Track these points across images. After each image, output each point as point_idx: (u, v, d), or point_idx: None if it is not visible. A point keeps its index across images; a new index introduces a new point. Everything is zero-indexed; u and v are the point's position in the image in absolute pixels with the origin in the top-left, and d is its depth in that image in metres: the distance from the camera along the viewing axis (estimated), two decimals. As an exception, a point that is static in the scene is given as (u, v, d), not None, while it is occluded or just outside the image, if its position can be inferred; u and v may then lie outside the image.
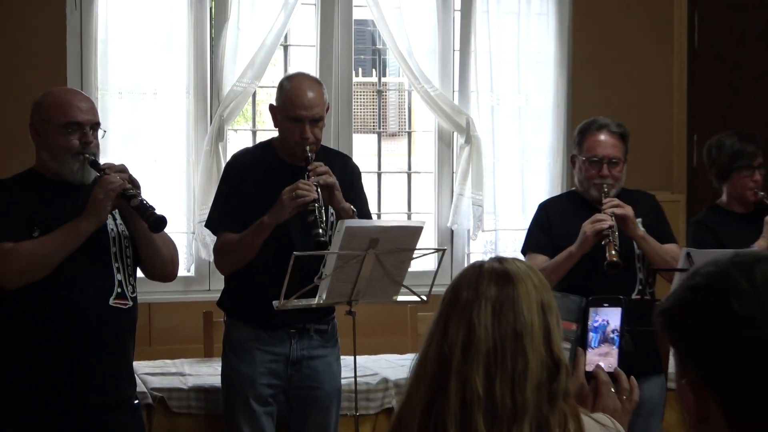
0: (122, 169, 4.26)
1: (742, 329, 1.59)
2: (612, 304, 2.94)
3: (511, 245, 6.47)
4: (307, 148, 4.68)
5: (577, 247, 4.91)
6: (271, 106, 4.88)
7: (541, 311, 2.48)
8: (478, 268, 2.54)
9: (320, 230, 4.47)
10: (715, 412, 1.65)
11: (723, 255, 4.87)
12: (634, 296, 5.02)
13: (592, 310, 2.92)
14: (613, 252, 4.81)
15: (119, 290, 4.28)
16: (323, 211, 4.56)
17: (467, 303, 2.47)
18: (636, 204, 5.07)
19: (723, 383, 1.63)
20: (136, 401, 4.49)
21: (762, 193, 5.39)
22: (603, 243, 4.86)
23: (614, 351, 2.93)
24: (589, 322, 2.92)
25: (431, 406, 2.45)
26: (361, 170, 5.10)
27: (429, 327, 2.53)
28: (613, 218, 4.90)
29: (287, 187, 4.56)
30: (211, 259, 6.20)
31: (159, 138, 6.30)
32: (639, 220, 5.04)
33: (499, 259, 2.57)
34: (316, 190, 4.55)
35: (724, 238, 5.32)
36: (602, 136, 5.09)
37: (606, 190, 5.02)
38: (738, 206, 5.47)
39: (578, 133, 5.18)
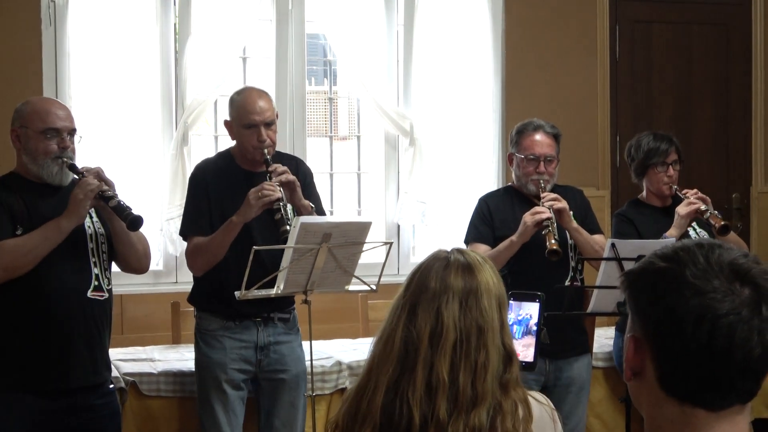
0: (99, 172, 4.25)
1: (689, 294, 1.62)
2: (530, 300, 2.96)
3: (451, 237, 6.48)
4: (265, 151, 4.68)
5: (517, 237, 4.93)
6: (225, 122, 4.86)
7: (498, 306, 2.53)
8: (444, 259, 2.57)
9: (287, 227, 4.48)
10: (648, 368, 1.68)
11: (645, 244, 4.91)
12: (567, 283, 5.05)
13: (515, 303, 2.94)
14: (553, 241, 4.84)
15: (96, 283, 4.29)
16: (287, 209, 4.57)
17: (435, 293, 2.50)
18: (567, 198, 5.11)
19: (661, 341, 1.66)
20: (111, 385, 4.48)
21: (676, 187, 5.45)
22: (543, 233, 4.88)
23: (533, 342, 2.95)
24: (513, 315, 2.93)
25: (397, 386, 2.47)
26: (314, 171, 5.11)
27: (393, 308, 2.57)
28: (551, 211, 4.94)
29: (253, 189, 4.56)
30: (178, 253, 6.19)
31: (128, 143, 6.27)
32: (571, 213, 5.08)
33: (461, 251, 2.61)
34: (279, 190, 4.56)
35: (641, 229, 5.37)
36: (538, 136, 5.13)
37: (542, 185, 5.06)
38: (656, 200, 5.52)
39: (516, 133, 5.20)
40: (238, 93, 4.86)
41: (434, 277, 2.54)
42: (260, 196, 4.53)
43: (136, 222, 4.20)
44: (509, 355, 2.51)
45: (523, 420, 2.50)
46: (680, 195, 5.39)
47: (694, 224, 5.40)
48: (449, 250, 2.64)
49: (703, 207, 5.30)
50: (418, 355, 2.47)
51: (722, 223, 5.25)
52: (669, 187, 5.45)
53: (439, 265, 2.57)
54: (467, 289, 2.51)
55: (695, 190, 5.40)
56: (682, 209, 5.29)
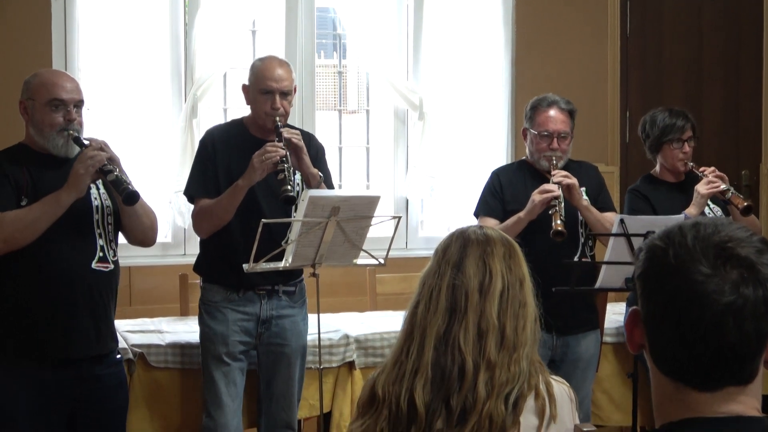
0: (102, 146, 4.24)
1: (667, 275, 1.60)
2: None
3: (460, 212, 6.47)
4: (277, 119, 4.67)
5: (525, 214, 4.92)
6: (243, 86, 4.86)
7: (528, 269, 2.82)
8: (480, 229, 2.84)
9: (289, 186, 4.46)
10: (646, 344, 1.67)
11: (654, 221, 4.91)
12: (576, 259, 5.05)
13: None
14: (559, 221, 4.82)
15: (101, 254, 4.29)
16: (291, 170, 4.56)
17: (479, 243, 2.77)
18: (580, 174, 5.10)
19: (647, 318, 1.65)
20: (118, 356, 4.49)
21: (692, 164, 5.43)
22: (550, 212, 4.87)
23: None
24: None
25: (447, 336, 2.70)
26: (323, 145, 5.09)
27: (429, 274, 2.79)
28: (560, 188, 4.92)
29: (257, 152, 4.55)
30: (186, 226, 6.19)
31: (137, 115, 6.27)
32: (583, 189, 5.06)
33: (481, 227, 2.87)
34: (284, 152, 4.55)
35: (656, 205, 5.35)
36: (552, 112, 5.10)
37: (555, 162, 5.04)
38: (669, 176, 5.49)
39: (530, 109, 5.18)
40: (261, 59, 4.87)
41: (474, 234, 2.80)
42: (263, 159, 4.52)
43: (131, 197, 4.18)
44: (536, 317, 2.78)
45: (546, 383, 2.75)
46: (697, 172, 5.36)
47: (708, 201, 5.37)
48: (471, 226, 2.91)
49: (723, 186, 5.28)
50: (468, 302, 2.71)
51: (745, 203, 5.24)
52: (684, 163, 5.42)
53: (478, 234, 2.81)
54: (507, 246, 2.79)
55: (713, 168, 5.37)
56: (702, 188, 5.26)
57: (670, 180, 5.49)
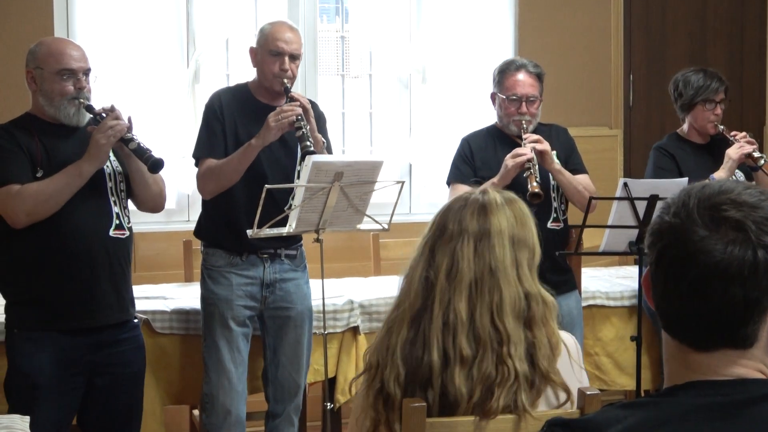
0: (117, 114, 4.25)
1: (665, 234, 1.62)
2: None
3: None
4: (285, 80, 4.68)
5: (499, 179, 4.91)
6: (251, 48, 4.87)
7: (512, 246, 2.62)
8: (464, 200, 2.67)
9: (308, 143, 4.48)
10: None
11: (657, 184, 4.90)
12: (549, 224, 5.04)
13: None
14: (535, 183, 4.81)
15: (117, 222, 4.32)
16: (308, 128, 4.56)
17: (452, 235, 2.61)
18: (551, 137, 5.08)
19: (651, 275, 1.66)
20: (136, 320, 4.53)
21: (723, 127, 5.44)
22: (525, 175, 4.86)
23: None
24: None
25: (418, 322, 2.58)
26: (326, 110, 5.10)
27: (418, 245, 2.67)
28: (533, 152, 4.90)
29: (272, 112, 4.57)
30: (191, 192, 6.19)
31: (139, 82, 6.25)
32: (554, 152, 5.05)
33: (483, 191, 2.71)
34: (300, 111, 4.56)
35: (682, 165, 5.36)
36: (521, 76, 5.09)
37: (525, 126, 5.02)
38: (696, 137, 5.52)
39: (498, 73, 5.17)
40: (271, 23, 4.88)
41: (452, 219, 2.63)
42: (279, 119, 4.53)
43: (157, 165, 4.22)
44: (525, 295, 2.60)
45: (550, 355, 2.61)
46: (728, 136, 5.38)
47: None
48: (475, 190, 2.73)
49: (756, 154, 5.29)
50: (435, 293, 2.57)
51: None
52: (714, 125, 5.44)
53: (458, 206, 2.65)
54: (480, 231, 2.60)
55: (744, 133, 5.39)
56: (733, 152, 5.27)
57: (697, 141, 5.51)
